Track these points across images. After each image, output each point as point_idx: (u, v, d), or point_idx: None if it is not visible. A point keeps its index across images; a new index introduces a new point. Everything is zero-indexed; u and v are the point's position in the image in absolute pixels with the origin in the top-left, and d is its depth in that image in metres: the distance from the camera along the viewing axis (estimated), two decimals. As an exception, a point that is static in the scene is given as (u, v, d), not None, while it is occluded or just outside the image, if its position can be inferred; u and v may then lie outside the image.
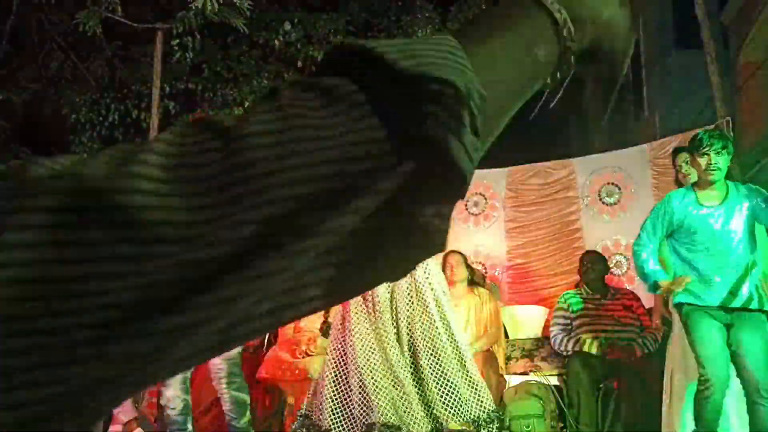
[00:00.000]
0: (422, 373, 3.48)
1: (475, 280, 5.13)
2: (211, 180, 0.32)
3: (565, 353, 4.64)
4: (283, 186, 0.33)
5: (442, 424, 3.42)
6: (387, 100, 0.36)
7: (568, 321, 4.71)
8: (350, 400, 3.47)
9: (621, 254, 6.03)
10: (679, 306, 3.50)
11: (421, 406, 3.42)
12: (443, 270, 4.48)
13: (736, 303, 3.30)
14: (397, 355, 3.47)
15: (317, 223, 0.34)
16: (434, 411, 3.43)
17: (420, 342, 3.53)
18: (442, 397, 3.44)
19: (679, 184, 4.04)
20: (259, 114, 0.35)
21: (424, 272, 3.61)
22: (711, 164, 3.33)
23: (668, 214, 3.42)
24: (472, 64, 0.38)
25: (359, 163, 0.34)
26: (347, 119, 0.35)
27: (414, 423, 3.34)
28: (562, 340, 4.64)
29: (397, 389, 3.40)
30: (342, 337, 3.60)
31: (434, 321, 3.56)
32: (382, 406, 3.31)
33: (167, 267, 0.31)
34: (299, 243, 0.33)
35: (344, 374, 3.53)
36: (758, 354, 3.22)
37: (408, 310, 3.56)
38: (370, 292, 3.56)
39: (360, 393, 3.42)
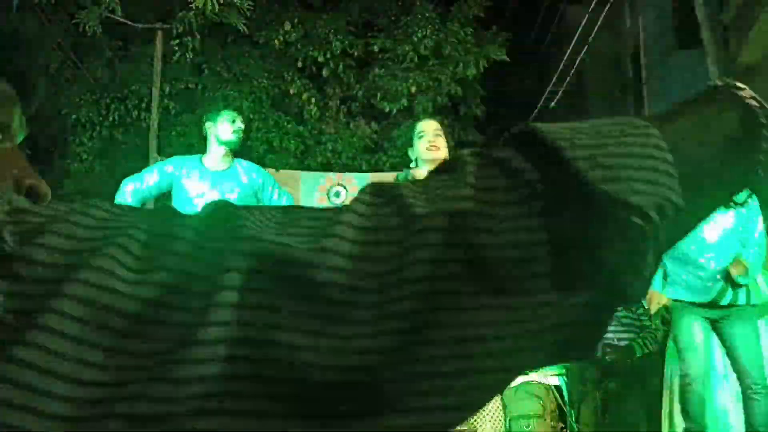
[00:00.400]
0: None
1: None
2: (392, 260, 0.33)
3: (565, 353, 4.64)
4: (460, 269, 0.32)
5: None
6: (569, 206, 0.34)
7: (568, 321, 4.71)
8: None
9: (621, 254, 6.03)
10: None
11: None
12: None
13: (726, 299, 3.31)
14: None
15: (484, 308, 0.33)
16: None
17: None
18: None
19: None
20: (445, 189, 0.35)
21: None
22: None
23: None
24: (673, 153, 0.35)
25: (524, 265, 0.33)
26: (527, 210, 0.34)
27: None
28: (562, 340, 4.64)
29: None
30: None
31: None
32: None
33: (339, 348, 0.31)
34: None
35: None
36: (750, 348, 3.25)
37: None
38: None
39: None
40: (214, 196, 3.26)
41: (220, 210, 0.35)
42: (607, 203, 0.33)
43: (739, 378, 3.28)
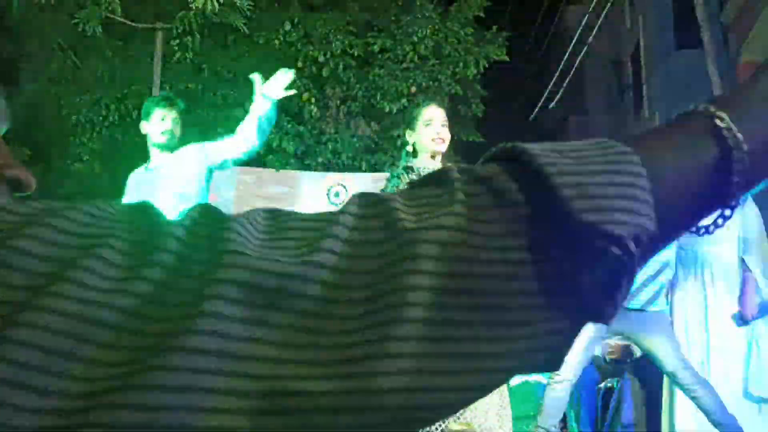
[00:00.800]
0: None
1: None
2: (379, 273, 0.33)
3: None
4: (450, 287, 0.33)
5: (444, 421, 3.42)
6: (552, 231, 0.35)
7: (568, 321, 4.73)
8: None
9: (621, 254, 6.04)
10: None
11: None
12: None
13: (636, 304, 3.30)
14: None
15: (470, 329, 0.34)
16: None
17: None
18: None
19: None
20: (434, 204, 0.35)
21: None
22: None
23: None
24: (650, 180, 0.36)
25: (507, 284, 0.34)
26: (512, 230, 0.35)
27: None
28: (562, 340, 4.65)
29: None
30: None
31: None
32: None
33: (323, 359, 0.31)
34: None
35: None
36: (670, 353, 3.26)
37: None
38: None
39: None
40: (165, 199, 2.97)
41: (205, 217, 0.35)
42: (589, 233, 0.34)
43: (674, 383, 3.32)
